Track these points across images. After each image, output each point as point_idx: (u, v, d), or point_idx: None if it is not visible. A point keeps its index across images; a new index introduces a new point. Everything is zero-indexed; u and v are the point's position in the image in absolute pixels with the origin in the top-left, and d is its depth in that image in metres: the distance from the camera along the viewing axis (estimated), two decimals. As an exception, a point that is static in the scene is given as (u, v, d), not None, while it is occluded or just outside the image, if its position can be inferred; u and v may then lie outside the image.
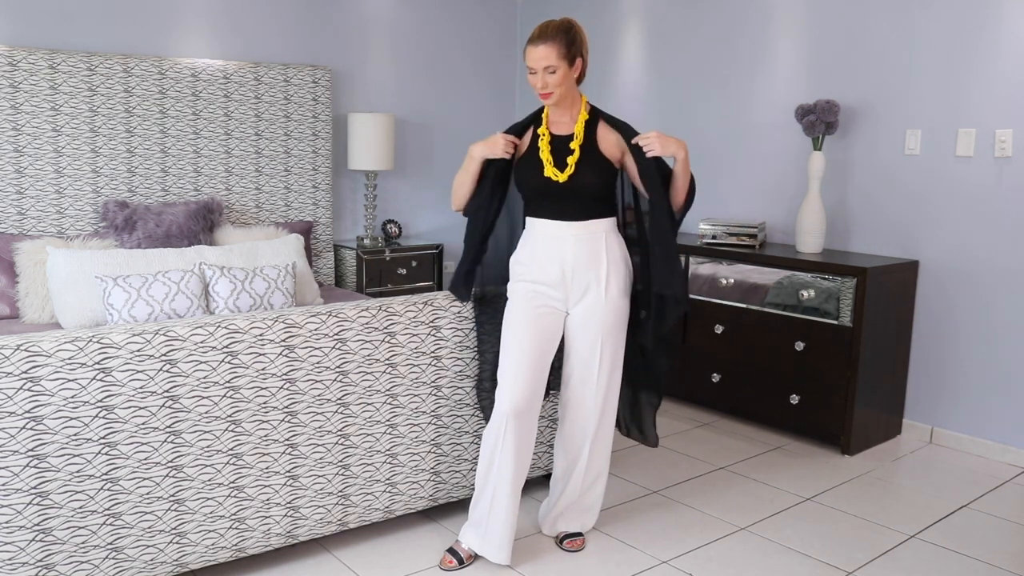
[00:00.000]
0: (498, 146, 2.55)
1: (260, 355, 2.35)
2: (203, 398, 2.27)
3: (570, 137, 2.53)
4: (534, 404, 2.52)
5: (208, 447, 2.30)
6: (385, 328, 2.57)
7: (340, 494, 2.57)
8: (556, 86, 2.45)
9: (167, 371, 2.21)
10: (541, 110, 2.61)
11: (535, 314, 2.52)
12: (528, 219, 2.60)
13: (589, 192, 2.51)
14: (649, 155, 2.46)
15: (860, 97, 3.91)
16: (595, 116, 2.58)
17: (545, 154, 2.52)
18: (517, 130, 2.62)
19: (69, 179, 3.87)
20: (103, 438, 2.15)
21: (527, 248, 2.59)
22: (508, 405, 2.47)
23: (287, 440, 2.44)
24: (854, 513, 3.04)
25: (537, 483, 3.06)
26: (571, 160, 2.50)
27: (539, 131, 2.56)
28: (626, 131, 2.54)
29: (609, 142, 2.54)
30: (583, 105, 2.57)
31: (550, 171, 2.50)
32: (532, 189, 2.55)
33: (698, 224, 4.36)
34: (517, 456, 2.50)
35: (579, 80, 2.55)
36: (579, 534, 2.75)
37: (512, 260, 2.63)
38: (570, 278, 2.52)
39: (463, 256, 2.69)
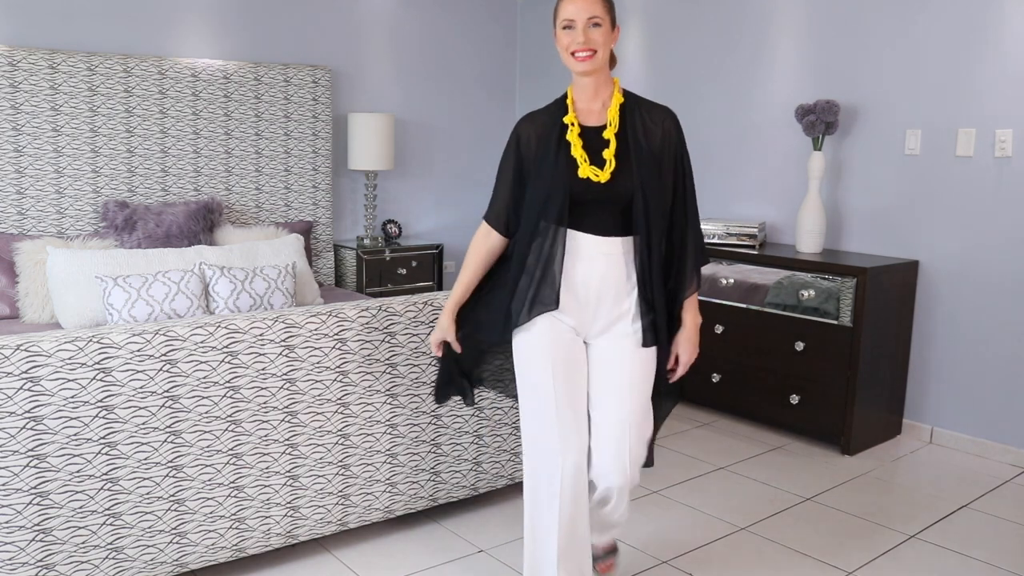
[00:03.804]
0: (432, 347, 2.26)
1: (260, 355, 2.35)
2: (203, 398, 2.27)
3: (603, 127, 2.06)
4: (585, 448, 2.14)
5: (208, 447, 2.30)
6: (385, 328, 2.57)
7: (340, 494, 2.57)
8: (600, 44, 2.00)
9: (167, 371, 2.21)
10: (564, 98, 2.13)
11: (562, 343, 2.09)
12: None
13: (630, 197, 2.03)
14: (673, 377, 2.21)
15: (860, 97, 3.91)
16: (633, 101, 2.09)
17: (578, 150, 2.03)
18: (540, 120, 2.14)
19: (69, 179, 3.87)
20: (103, 438, 2.15)
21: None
22: (569, 467, 2.08)
23: (287, 440, 2.44)
24: (854, 513, 3.04)
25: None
26: (608, 155, 2.02)
27: (566, 119, 2.07)
28: (665, 118, 2.10)
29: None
30: (616, 89, 2.09)
31: (587, 170, 2.01)
32: (564, 195, 2.03)
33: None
34: (577, 502, 2.13)
35: (612, 63, 2.13)
36: (613, 553, 2.46)
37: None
38: (594, 307, 2.08)
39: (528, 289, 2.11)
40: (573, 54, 2.01)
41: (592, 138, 2.05)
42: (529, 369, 2.11)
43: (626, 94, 2.10)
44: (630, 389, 2.10)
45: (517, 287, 2.10)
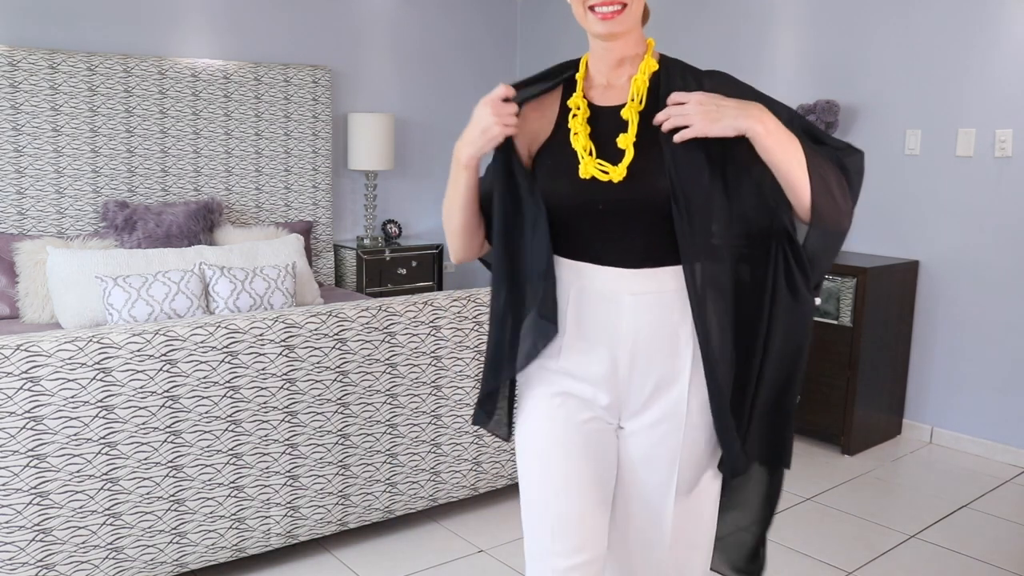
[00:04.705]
0: (491, 127, 1.37)
1: (260, 355, 2.35)
2: (203, 398, 2.27)
3: (623, 106, 1.40)
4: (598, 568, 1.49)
5: (208, 447, 2.30)
6: (385, 328, 2.57)
7: (340, 494, 2.57)
8: None
9: (167, 371, 2.21)
10: (574, 68, 1.48)
11: (576, 436, 1.45)
12: (555, 258, 1.46)
13: (664, 203, 1.35)
14: (676, 137, 1.33)
15: (860, 97, 3.91)
16: (675, 69, 1.43)
17: (583, 139, 1.39)
18: (529, 92, 1.45)
19: (69, 179, 3.87)
20: (103, 438, 2.15)
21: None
22: None
23: (287, 440, 2.44)
24: (854, 513, 3.04)
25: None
26: (625, 141, 1.37)
27: (571, 102, 1.43)
28: (728, 89, 1.43)
29: None
30: (649, 53, 1.43)
31: (591, 167, 1.37)
32: (563, 204, 1.41)
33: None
34: None
35: (643, 18, 1.45)
36: None
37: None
38: (627, 373, 1.42)
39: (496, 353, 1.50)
40: (592, 8, 1.36)
41: (606, 121, 1.41)
42: (523, 473, 1.50)
43: (664, 60, 1.44)
44: (675, 486, 1.44)
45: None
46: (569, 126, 1.41)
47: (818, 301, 1.49)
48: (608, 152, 1.38)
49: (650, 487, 1.46)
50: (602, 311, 1.41)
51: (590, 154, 1.38)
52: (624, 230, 1.39)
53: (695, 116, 1.30)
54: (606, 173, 1.36)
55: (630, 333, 1.40)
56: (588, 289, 1.42)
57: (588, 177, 1.37)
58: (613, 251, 1.40)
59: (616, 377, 1.42)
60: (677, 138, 1.32)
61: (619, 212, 1.38)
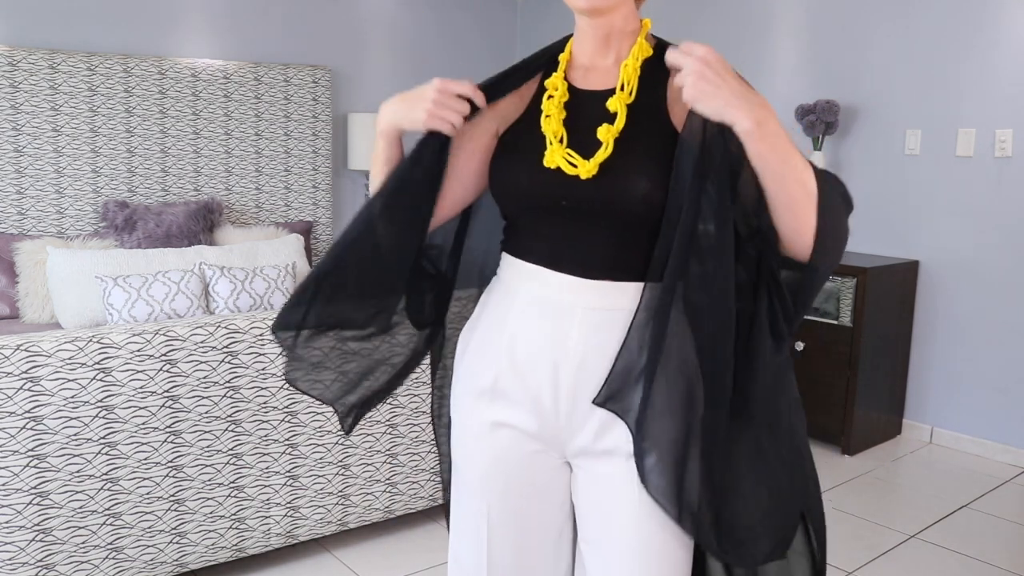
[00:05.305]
0: (421, 112, 1.26)
1: (260, 355, 2.35)
2: (203, 398, 2.27)
3: (610, 93, 1.20)
4: None
5: (208, 447, 2.30)
6: (385, 328, 2.57)
7: (340, 494, 2.57)
8: None
9: (167, 371, 2.21)
10: (561, 47, 1.30)
11: (523, 475, 1.27)
12: (506, 257, 1.31)
13: (641, 208, 1.15)
14: (684, 98, 1.08)
15: (860, 97, 3.91)
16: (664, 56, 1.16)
17: (555, 123, 1.20)
18: (509, 80, 1.34)
19: (69, 179, 3.87)
20: (103, 438, 2.15)
21: (490, 316, 1.30)
22: None
23: (287, 440, 2.44)
24: (854, 513, 3.04)
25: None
26: (607, 134, 1.16)
27: (548, 83, 1.25)
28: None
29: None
30: (643, 35, 1.23)
31: (557, 156, 1.17)
32: (520, 194, 1.24)
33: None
34: None
35: None
36: None
37: (462, 336, 1.37)
38: (569, 401, 1.20)
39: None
40: None
41: (586, 107, 1.22)
42: (457, 497, 1.35)
43: (660, 46, 1.23)
44: (634, 553, 1.19)
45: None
46: (542, 108, 1.23)
47: (800, 346, 1.25)
48: (582, 142, 1.18)
49: (623, 539, 1.20)
50: (549, 324, 1.20)
51: (560, 141, 1.19)
52: (588, 234, 1.18)
53: (689, 77, 1.06)
54: (574, 167, 1.16)
55: (577, 354, 1.18)
56: (536, 297, 1.22)
57: (553, 167, 1.17)
58: (572, 256, 1.19)
59: (557, 405, 1.20)
60: (676, 81, 1.11)
61: (585, 213, 1.17)
